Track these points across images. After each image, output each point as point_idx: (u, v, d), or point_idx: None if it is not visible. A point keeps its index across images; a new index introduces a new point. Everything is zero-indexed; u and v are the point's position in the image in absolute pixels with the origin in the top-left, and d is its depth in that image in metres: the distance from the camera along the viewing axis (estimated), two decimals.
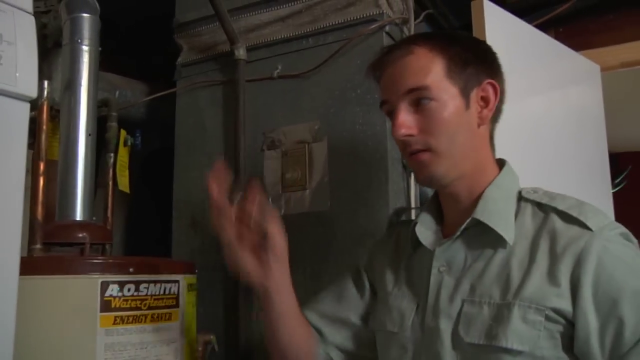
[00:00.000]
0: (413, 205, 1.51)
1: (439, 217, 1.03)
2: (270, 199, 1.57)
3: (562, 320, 0.83)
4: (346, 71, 1.51)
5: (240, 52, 1.62)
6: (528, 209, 0.93)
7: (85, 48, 1.43)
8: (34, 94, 0.86)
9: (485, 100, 0.95)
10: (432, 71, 0.92)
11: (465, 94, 0.93)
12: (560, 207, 0.89)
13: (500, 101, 0.98)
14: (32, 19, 0.88)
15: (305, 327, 1.08)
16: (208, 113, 1.72)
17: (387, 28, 1.49)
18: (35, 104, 1.30)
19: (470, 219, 0.93)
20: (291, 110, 1.58)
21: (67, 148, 1.38)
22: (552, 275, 0.84)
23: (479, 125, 0.95)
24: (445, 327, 0.91)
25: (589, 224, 0.85)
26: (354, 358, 1.11)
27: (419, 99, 0.92)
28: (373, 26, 1.47)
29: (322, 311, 1.12)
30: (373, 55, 1.02)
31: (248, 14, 1.66)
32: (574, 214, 0.87)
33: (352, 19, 1.52)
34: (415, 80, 0.92)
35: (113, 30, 1.93)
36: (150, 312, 1.18)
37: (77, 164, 1.38)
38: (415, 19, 1.61)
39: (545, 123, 1.65)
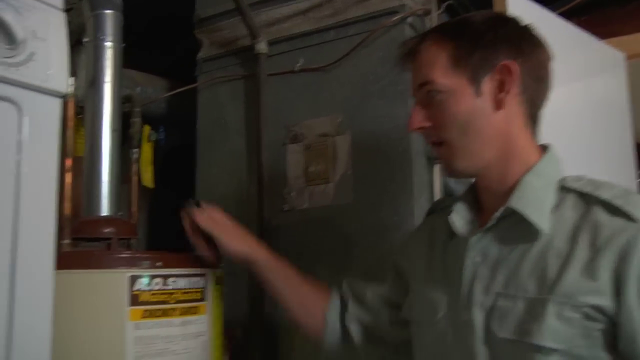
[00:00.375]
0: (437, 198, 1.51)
1: (476, 205, 1.00)
2: (293, 193, 1.57)
3: (602, 318, 0.78)
4: (368, 64, 1.51)
5: (262, 46, 1.62)
6: (570, 199, 0.88)
7: (108, 44, 1.44)
8: (65, 89, 0.88)
9: (501, 83, 0.91)
10: (436, 64, 0.92)
11: (475, 81, 0.91)
12: (604, 196, 0.84)
13: (540, 80, 0.95)
14: (64, 15, 0.90)
15: (309, 291, 1.21)
16: (229, 108, 1.73)
17: (409, 20, 1.49)
18: None
19: (504, 207, 0.89)
20: (313, 104, 1.58)
21: (92, 144, 1.40)
22: (591, 270, 0.79)
23: (496, 110, 0.92)
24: (478, 321, 0.88)
25: (635, 215, 0.79)
26: (372, 337, 1.16)
27: (427, 93, 0.93)
28: (395, 18, 1.47)
29: (353, 286, 1.19)
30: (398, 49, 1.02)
31: (269, 8, 1.66)
32: (619, 203, 0.82)
33: (373, 11, 1.52)
34: (422, 75, 0.94)
35: (133, 27, 1.95)
36: (179, 305, 1.19)
37: (102, 160, 1.39)
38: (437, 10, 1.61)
39: (568, 112, 1.63)
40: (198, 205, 1.24)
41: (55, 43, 0.87)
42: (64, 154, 1.33)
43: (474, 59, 0.91)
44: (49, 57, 0.86)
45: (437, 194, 1.51)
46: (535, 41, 0.96)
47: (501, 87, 0.91)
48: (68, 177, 1.33)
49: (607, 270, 0.78)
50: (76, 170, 1.39)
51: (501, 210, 0.89)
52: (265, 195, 1.58)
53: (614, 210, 0.82)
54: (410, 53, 0.97)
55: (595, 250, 0.80)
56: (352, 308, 1.17)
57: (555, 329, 0.80)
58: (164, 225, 2.07)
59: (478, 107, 0.91)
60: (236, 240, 1.20)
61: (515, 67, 0.90)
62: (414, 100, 0.97)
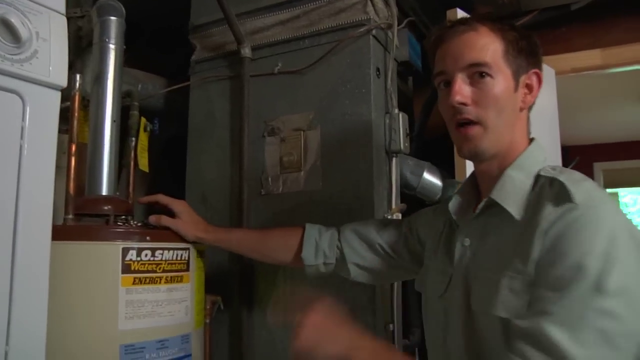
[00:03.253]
0: (394, 186, 1.51)
1: (477, 193, 0.98)
2: (270, 180, 1.57)
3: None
4: (337, 68, 1.51)
5: (246, 51, 1.60)
6: (541, 186, 0.85)
7: (112, 46, 1.42)
8: (64, 83, 0.86)
9: (529, 87, 0.90)
10: (492, 50, 0.87)
11: (515, 77, 0.88)
12: (561, 178, 0.81)
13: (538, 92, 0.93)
14: (64, 19, 0.88)
15: (269, 246, 1.27)
16: (217, 104, 1.72)
17: (373, 32, 1.48)
18: (68, 95, 1.29)
19: (487, 198, 0.88)
20: (289, 102, 1.57)
21: (95, 133, 1.38)
22: (531, 245, 0.78)
23: (521, 109, 0.90)
24: (460, 297, 0.88)
25: (575, 198, 0.77)
26: (371, 274, 1.20)
27: (477, 74, 0.87)
28: (361, 30, 1.46)
29: (360, 232, 1.20)
30: (437, 30, 0.94)
31: (253, 18, 1.64)
32: (569, 187, 0.78)
33: (343, 23, 1.51)
34: (477, 56, 0.87)
35: (140, 32, 1.91)
36: (164, 274, 1.18)
37: (103, 146, 1.37)
38: (397, 25, 1.60)
39: None
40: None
41: (56, 43, 0.85)
42: (70, 140, 1.32)
43: (519, 58, 0.89)
44: (50, 55, 0.84)
45: (394, 183, 1.51)
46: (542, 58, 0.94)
47: (528, 91, 0.91)
48: (73, 161, 1.31)
49: (539, 245, 0.78)
50: (82, 155, 1.37)
51: (484, 201, 0.89)
52: (245, 180, 1.57)
53: (563, 193, 0.79)
54: (458, 32, 0.89)
55: (536, 226, 0.79)
56: (361, 254, 1.18)
57: (506, 301, 0.79)
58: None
59: (513, 100, 0.89)
60: (189, 228, 1.25)
61: (542, 76, 0.91)
62: (452, 78, 0.89)
